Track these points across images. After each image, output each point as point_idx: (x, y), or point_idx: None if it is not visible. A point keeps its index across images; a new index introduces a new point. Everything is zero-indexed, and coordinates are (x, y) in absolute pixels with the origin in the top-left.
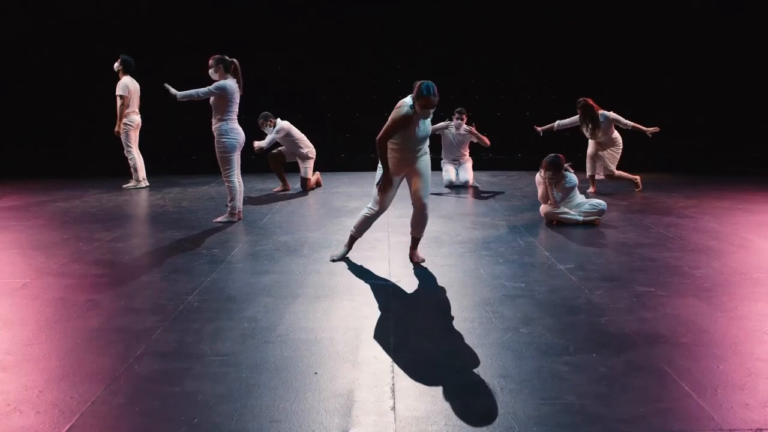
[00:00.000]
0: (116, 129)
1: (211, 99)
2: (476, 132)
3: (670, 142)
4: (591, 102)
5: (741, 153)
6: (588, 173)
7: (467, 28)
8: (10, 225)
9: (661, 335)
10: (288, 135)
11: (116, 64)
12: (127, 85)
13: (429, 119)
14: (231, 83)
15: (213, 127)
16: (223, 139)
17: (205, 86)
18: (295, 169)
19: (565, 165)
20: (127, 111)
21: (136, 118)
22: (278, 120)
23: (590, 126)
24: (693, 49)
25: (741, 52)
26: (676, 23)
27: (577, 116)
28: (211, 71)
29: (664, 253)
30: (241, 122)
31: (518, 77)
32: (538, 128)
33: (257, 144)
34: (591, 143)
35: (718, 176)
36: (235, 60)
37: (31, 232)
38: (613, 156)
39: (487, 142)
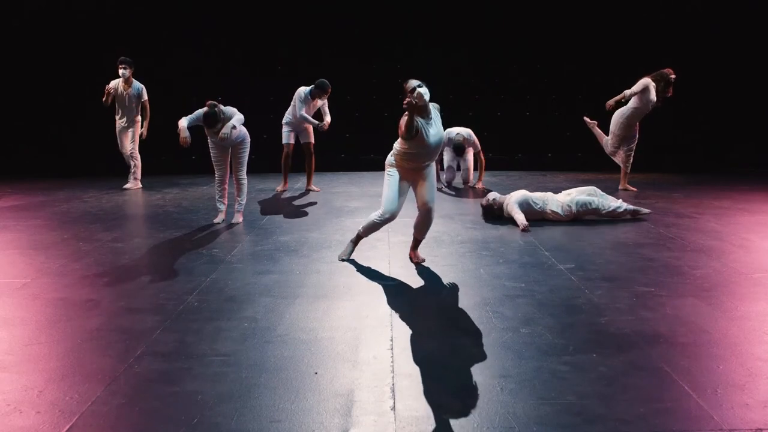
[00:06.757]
0: (144, 132)
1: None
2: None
3: (671, 142)
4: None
5: (741, 153)
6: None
7: (467, 28)
8: (10, 225)
9: (661, 335)
10: None
11: (127, 72)
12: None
13: (438, 120)
14: None
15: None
16: (248, 138)
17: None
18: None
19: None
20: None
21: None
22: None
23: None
24: (693, 47)
25: (741, 50)
26: (676, 22)
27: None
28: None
29: (664, 253)
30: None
31: (518, 77)
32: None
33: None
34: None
35: (718, 176)
36: None
37: (31, 232)
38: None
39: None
